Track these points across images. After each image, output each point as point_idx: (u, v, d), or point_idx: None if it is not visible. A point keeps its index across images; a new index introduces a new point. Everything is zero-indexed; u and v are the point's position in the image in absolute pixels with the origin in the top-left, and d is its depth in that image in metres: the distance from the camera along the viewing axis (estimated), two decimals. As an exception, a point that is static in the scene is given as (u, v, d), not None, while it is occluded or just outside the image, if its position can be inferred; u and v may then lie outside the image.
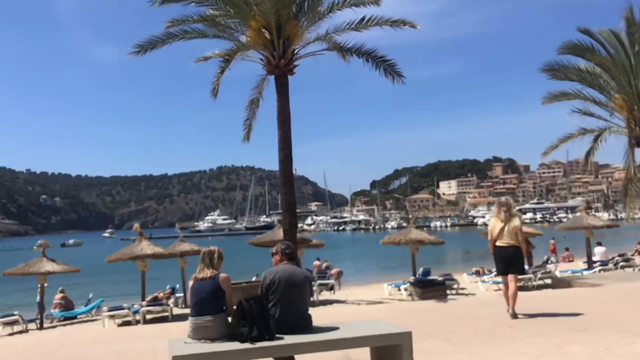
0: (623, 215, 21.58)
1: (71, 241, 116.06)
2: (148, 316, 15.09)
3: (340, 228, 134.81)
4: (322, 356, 5.50)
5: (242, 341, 4.87)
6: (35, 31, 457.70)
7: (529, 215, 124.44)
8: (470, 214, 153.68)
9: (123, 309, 14.49)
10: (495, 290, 18.84)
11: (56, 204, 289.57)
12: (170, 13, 13.74)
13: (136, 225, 16.42)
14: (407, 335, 5.06)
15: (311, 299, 5.51)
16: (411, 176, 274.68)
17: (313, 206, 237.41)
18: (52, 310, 18.08)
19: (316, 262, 27.90)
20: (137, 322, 14.39)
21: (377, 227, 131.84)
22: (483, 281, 19.48)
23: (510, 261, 8.53)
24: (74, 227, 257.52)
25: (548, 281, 16.45)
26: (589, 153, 16.73)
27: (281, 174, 14.32)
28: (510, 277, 8.61)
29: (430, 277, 15.47)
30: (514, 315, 8.42)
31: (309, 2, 13.97)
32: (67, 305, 18.85)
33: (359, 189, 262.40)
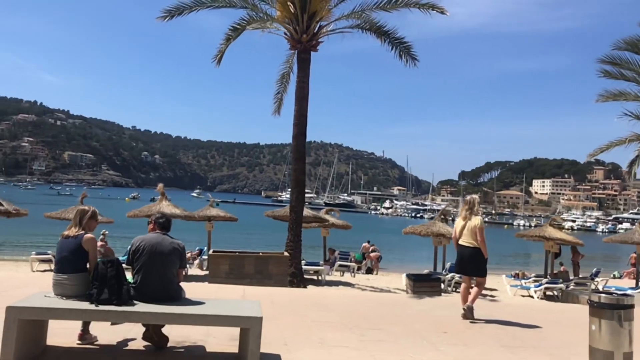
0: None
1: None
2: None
3: (418, 215, 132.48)
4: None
5: (91, 302, 4.96)
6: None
7: (626, 225, 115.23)
8: (561, 216, 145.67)
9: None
10: (523, 296, 17.85)
11: (156, 161, 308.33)
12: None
13: (160, 185, 17.05)
14: (256, 321, 4.92)
15: (186, 270, 5.46)
16: (503, 171, 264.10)
17: (395, 190, 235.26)
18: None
19: (365, 244, 28.04)
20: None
21: (456, 218, 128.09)
22: (512, 285, 18.53)
23: (467, 261, 8.10)
24: (170, 185, 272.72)
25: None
26: (632, 162, 15.03)
27: (293, 150, 14.25)
28: (466, 278, 8.24)
29: (428, 272, 14.86)
30: (466, 315, 8.00)
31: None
32: (105, 252, 20.11)
33: (444, 178, 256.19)
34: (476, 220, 8.09)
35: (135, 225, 15.54)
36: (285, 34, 14.34)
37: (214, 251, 13.78)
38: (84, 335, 5.46)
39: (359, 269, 25.68)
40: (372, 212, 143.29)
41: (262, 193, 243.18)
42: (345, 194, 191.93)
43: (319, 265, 16.11)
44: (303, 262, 15.83)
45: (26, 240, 29.10)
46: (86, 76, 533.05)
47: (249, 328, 4.90)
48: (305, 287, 13.75)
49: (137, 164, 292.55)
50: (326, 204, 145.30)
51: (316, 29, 14.06)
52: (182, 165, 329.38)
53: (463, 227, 8.18)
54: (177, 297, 5.35)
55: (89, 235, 5.27)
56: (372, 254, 26.69)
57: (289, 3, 13.71)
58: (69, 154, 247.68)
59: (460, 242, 8.22)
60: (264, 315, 7.21)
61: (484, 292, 18.39)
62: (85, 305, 4.90)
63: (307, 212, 17.20)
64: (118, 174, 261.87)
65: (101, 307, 4.87)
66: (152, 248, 5.27)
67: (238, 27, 13.86)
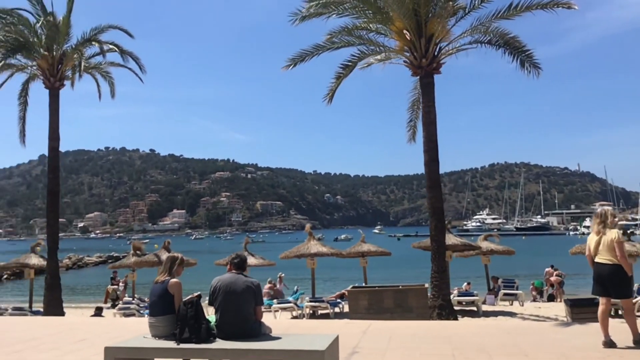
0: None
1: (343, 236, 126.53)
2: (320, 311, 16.24)
3: (628, 231, 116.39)
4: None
5: (175, 341, 5.39)
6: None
7: None
8: None
9: (289, 302, 15.89)
10: None
11: (338, 201, 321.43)
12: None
13: (307, 226, 17.76)
14: (317, 354, 4.92)
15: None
16: None
17: (597, 206, 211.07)
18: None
19: (548, 269, 26.24)
20: (303, 316, 15.63)
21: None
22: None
23: (607, 281, 7.13)
24: (353, 223, 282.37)
25: None
26: None
27: (427, 177, 13.88)
28: (603, 299, 7.24)
29: (588, 297, 12.92)
30: (607, 344, 7.10)
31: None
32: (275, 294, 21.45)
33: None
34: (612, 234, 7.13)
35: (290, 266, 16.38)
36: (405, 61, 14.27)
37: (352, 287, 13.88)
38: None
39: (540, 294, 23.70)
40: (571, 233, 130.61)
41: (447, 224, 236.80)
42: (539, 216, 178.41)
43: (473, 296, 15.18)
44: (455, 292, 15.10)
45: (193, 288, 32.05)
46: (269, 131, 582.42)
47: (312, 362, 4.90)
48: (455, 319, 13.06)
49: (321, 206, 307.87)
50: (517, 229, 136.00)
51: (436, 51, 13.75)
52: (363, 203, 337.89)
53: (598, 243, 7.27)
54: (256, 334, 5.54)
55: (174, 280, 5.75)
56: (552, 278, 24.45)
57: (404, 31, 13.67)
58: (261, 203, 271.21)
59: (597, 259, 7.29)
60: (373, 348, 7.09)
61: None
62: (168, 344, 5.35)
63: (455, 240, 16.52)
64: (305, 217, 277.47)
65: (182, 345, 5.28)
66: (226, 288, 5.56)
67: (349, 64, 14.15)
